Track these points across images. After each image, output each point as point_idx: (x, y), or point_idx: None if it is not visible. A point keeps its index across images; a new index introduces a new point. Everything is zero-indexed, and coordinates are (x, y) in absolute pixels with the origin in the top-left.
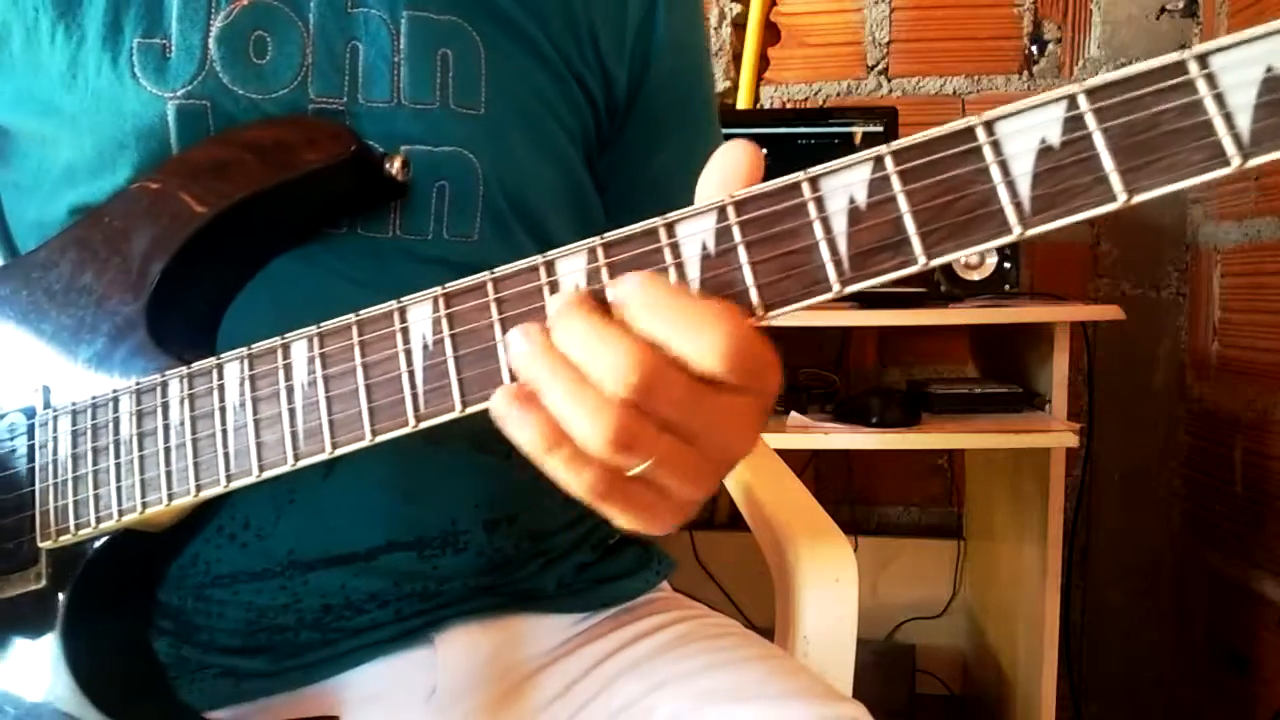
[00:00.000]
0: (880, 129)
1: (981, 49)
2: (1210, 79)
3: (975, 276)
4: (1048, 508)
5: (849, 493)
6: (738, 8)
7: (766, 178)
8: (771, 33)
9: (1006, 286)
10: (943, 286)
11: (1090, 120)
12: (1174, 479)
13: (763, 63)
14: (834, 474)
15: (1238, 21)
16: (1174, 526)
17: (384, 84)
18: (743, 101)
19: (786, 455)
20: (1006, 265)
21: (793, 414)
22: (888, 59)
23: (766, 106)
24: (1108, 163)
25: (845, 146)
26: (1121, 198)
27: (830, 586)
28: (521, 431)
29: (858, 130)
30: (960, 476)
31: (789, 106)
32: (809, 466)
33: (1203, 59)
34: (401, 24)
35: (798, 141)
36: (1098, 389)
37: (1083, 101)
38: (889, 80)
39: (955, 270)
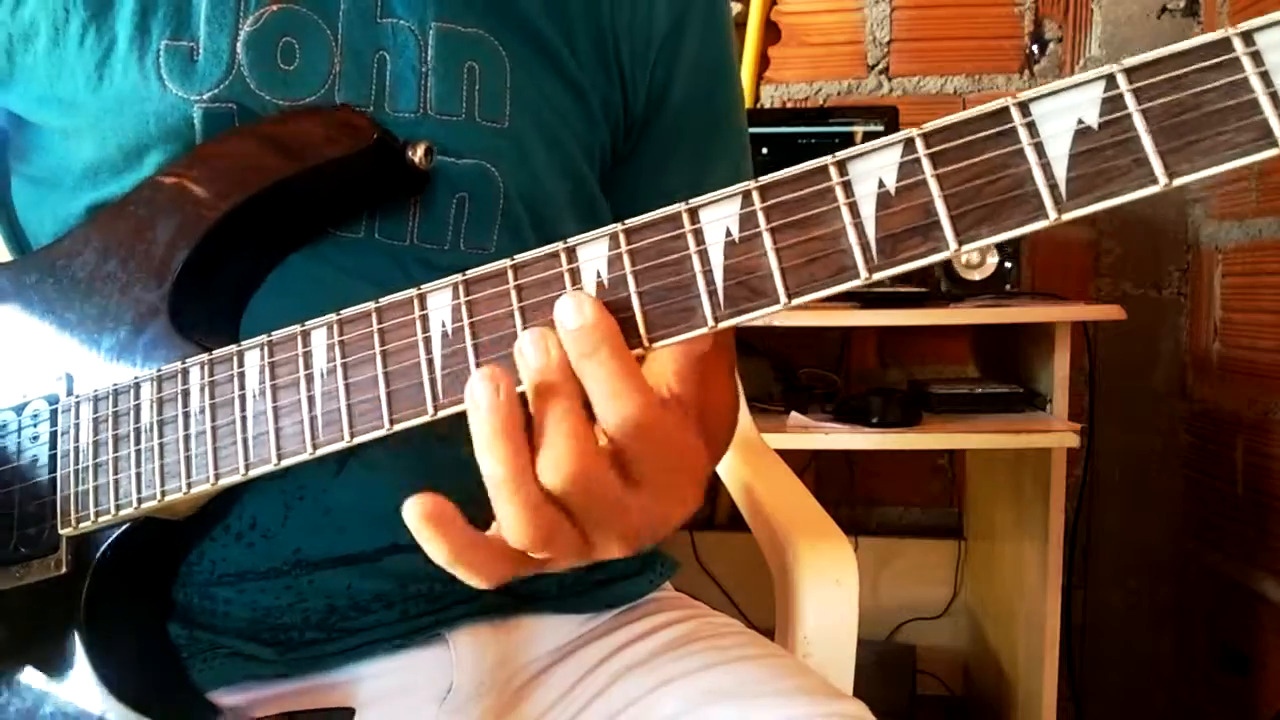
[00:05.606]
0: (881, 128)
1: (982, 48)
2: (1256, 57)
3: (976, 276)
4: (1048, 508)
5: (849, 493)
6: (738, 7)
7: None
8: (772, 32)
9: (1007, 286)
10: (943, 286)
11: (1129, 100)
12: (1175, 479)
13: (763, 62)
14: (834, 474)
15: (1238, 20)
16: (1175, 526)
17: (411, 94)
18: None
19: (786, 455)
20: (1007, 265)
21: (793, 414)
22: (888, 58)
23: (767, 106)
24: (1148, 144)
25: (845, 146)
26: (1162, 180)
27: (830, 587)
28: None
29: (858, 130)
30: (961, 476)
31: (789, 106)
32: (809, 466)
33: (1247, 36)
34: (430, 35)
35: (798, 141)
36: (1098, 389)
37: (1121, 81)
38: (890, 79)
39: (956, 270)
